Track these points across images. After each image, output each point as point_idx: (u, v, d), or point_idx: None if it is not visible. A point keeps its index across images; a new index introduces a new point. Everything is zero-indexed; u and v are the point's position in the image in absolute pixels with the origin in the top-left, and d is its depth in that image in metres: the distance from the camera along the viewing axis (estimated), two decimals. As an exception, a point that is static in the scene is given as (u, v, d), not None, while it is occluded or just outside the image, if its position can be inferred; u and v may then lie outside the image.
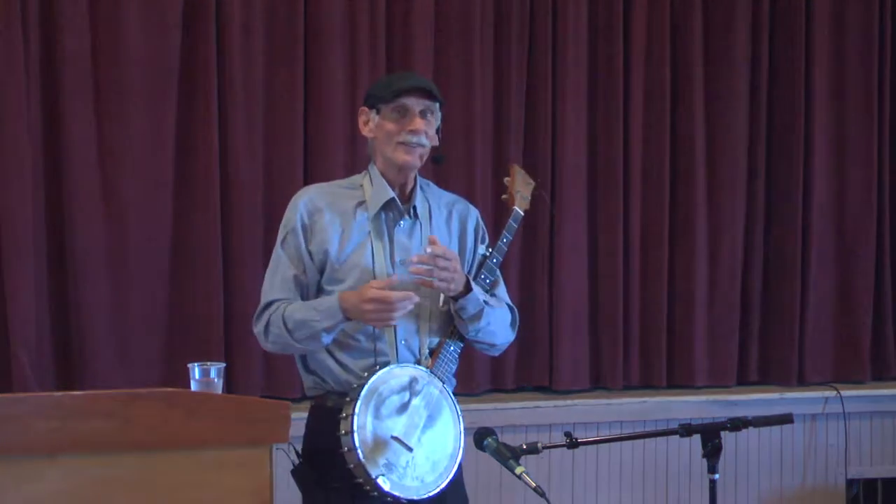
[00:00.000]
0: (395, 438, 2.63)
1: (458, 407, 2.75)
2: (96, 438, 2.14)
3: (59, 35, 3.91)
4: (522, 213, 2.94)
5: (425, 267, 2.65)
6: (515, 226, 2.90)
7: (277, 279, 2.80)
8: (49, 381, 3.91)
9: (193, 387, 2.46)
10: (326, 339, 2.72)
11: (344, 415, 2.62)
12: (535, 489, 2.51)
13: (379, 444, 2.61)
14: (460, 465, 2.78)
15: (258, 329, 2.81)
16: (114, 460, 2.16)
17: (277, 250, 2.83)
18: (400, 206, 2.81)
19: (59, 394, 2.20)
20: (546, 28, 4.40)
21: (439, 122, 2.84)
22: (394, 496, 2.60)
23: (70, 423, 2.12)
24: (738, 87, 4.59)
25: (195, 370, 2.47)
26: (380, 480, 2.58)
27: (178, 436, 2.18)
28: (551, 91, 4.42)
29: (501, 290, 2.93)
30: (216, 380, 2.47)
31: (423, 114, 2.77)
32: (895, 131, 4.77)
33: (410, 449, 2.64)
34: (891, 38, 4.72)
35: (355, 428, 2.59)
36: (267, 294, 2.81)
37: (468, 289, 2.73)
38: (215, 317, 4.03)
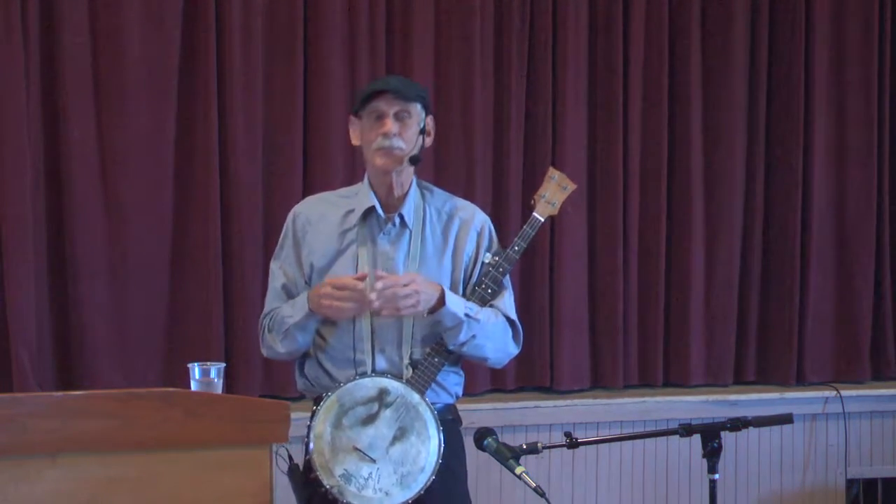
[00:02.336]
0: (356, 449, 2.62)
1: (439, 420, 2.68)
2: (96, 438, 2.14)
3: (59, 35, 3.91)
4: (542, 220, 2.85)
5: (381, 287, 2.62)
6: (531, 233, 2.81)
7: (270, 292, 2.86)
8: (49, 381, 3.91)
9: (193, 387, 2.46)
10: (300, 337, 2.74)
11: (308, 423, 2.65)
12: (535, 489, 2.51)
13: (337, 454, 2.61)
14: (455, 476, 2.78)
15: (260, 339, 2.86)
16: (114, 460, 2.16)
17: (271, 266, 2.89)
18: (382, 215, 2.80)
19: (59, 394, 2.21)
20: (546, 28, 4.39)
21: (423, 123, 2.79)
22: None
23: (70, 423, 2.13)
24: (737, 88, 4.58)
25: (195, 370, 2.48)
26: (334, 490, 2.59)
27: (178, 436, 2.19)
28: (551, 91, 4.41)
29: (504, 302, 2.84)
30: (216, 380, 2.48)
31: (397, 116, 2.74)
32: (895, 131, 4.77)
33: (374, 461, 2.62)
34: (890, 38, 4.72)
35: (311, 437, 2.62)
36: (264, 309, 2.87)
37: (444, 302, 2.68)
38: (215, 317, 4.02)
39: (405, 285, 2.64)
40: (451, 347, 2.73)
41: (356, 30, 4.20)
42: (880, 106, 4.70)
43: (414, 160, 2.77)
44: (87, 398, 2.21)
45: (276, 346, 2.79)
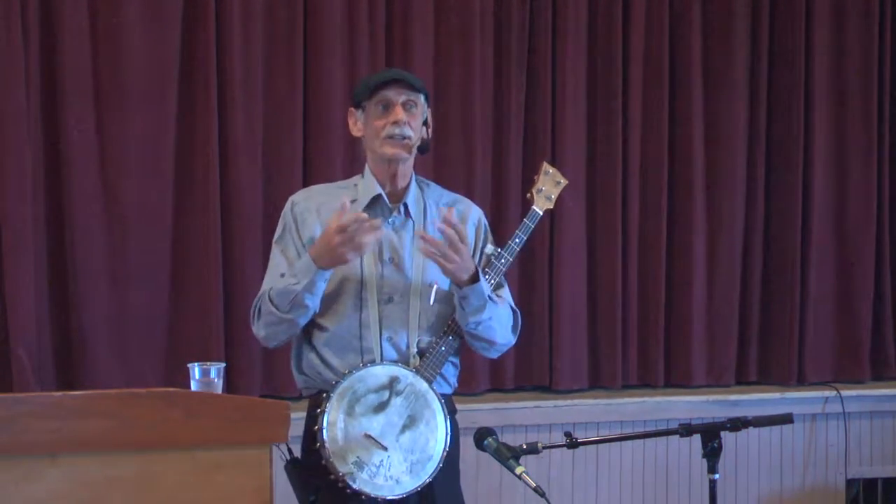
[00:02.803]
0: (368, 436, 2.62)
1: (446, 409, 2.71)
2: (96, 438, 2.14)
3: (59, 36, 3.91)
4: (541, 213, 2.91)
5: (436, 240, 2.65)
6: (531, 225, 2.86)
7: (268, 277, 2.82)
8: (49, 381, 3.91)
9: (193, 387, 2.46)
10: (310, 301, 2.68)
11: (318, 411, 2.63)
12: (535, 489, 2.51)
13: (349, 442, 2.61)
14: (454, 466, 2.79)
15: (252, 320, 2.82)
16: (114, 460, 2.16)
17: (272, 250, 2.87)
18: (388, 204, 2.81)
19: (59, 394, 2.21)
20: (546, 27, 4.40)
21: (426, 114, 2.82)
22: (364, 493, 2.59)
23: (70, 423, 2.13)
24: (738, 89, 4.59)
25: (195, 370, 2.48)
26: (347, 477, 2.58)
27: (178, 436, 2.19)
28: (551, 91, 4.42)
29: (506, 292, 2.90)
30: (216, 380, 2.47)
31: (405, 105, 2.76)
32: (895, 132, 4.77)
33: (385, 448, 2.63)
34: (891, 38, 4.72)
35: (324, 424, 2.60)
36: (261, 289, 2.83)
37: (475, 280, 2.69)
38: (215, 317, 4.02)
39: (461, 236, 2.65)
40: (469, 328, 2.73)
41: (356, 30, 4.20)
42: (880, 106, 4.71)
43: (423, 147, 2.80)
44: (87, 398, 2.21)
45: (282, 317, 2.69)
